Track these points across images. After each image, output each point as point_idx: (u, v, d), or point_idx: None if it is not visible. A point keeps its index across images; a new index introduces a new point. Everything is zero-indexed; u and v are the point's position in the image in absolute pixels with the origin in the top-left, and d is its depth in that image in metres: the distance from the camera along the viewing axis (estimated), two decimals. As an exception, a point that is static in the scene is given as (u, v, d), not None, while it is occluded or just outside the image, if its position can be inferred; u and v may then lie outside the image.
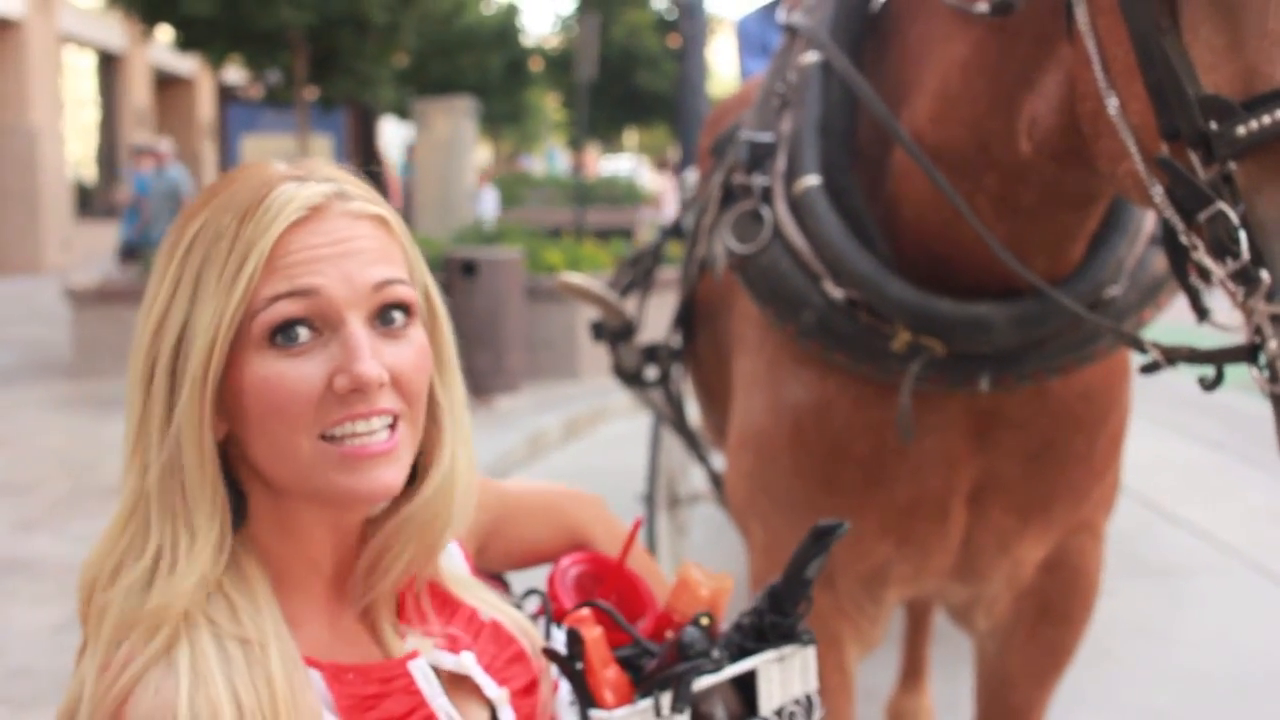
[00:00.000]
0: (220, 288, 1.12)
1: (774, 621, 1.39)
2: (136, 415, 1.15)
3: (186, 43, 15.42)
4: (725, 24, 24.70)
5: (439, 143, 17.88)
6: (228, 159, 20.13)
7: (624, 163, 38.50)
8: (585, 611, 1.37)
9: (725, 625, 1.42)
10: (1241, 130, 1.46)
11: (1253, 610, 5.61)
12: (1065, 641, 2.68)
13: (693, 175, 4.60)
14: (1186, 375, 1.68)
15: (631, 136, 37.19)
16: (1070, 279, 2.24)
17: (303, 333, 1.14)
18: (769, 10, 5.24)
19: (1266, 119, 1.43)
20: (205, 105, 27.99)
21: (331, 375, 1.14)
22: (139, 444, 1.15)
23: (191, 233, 1.16)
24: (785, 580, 1.39)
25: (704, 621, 1.37)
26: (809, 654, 1.42)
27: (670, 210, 19.72)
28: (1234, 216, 1.48)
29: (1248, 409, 8.23)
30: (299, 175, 1.19)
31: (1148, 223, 2.31)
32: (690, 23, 13.09)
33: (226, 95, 25.05)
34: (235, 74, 20.49)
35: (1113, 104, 1.69)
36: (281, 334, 1.13)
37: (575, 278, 3.31)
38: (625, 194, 23.41)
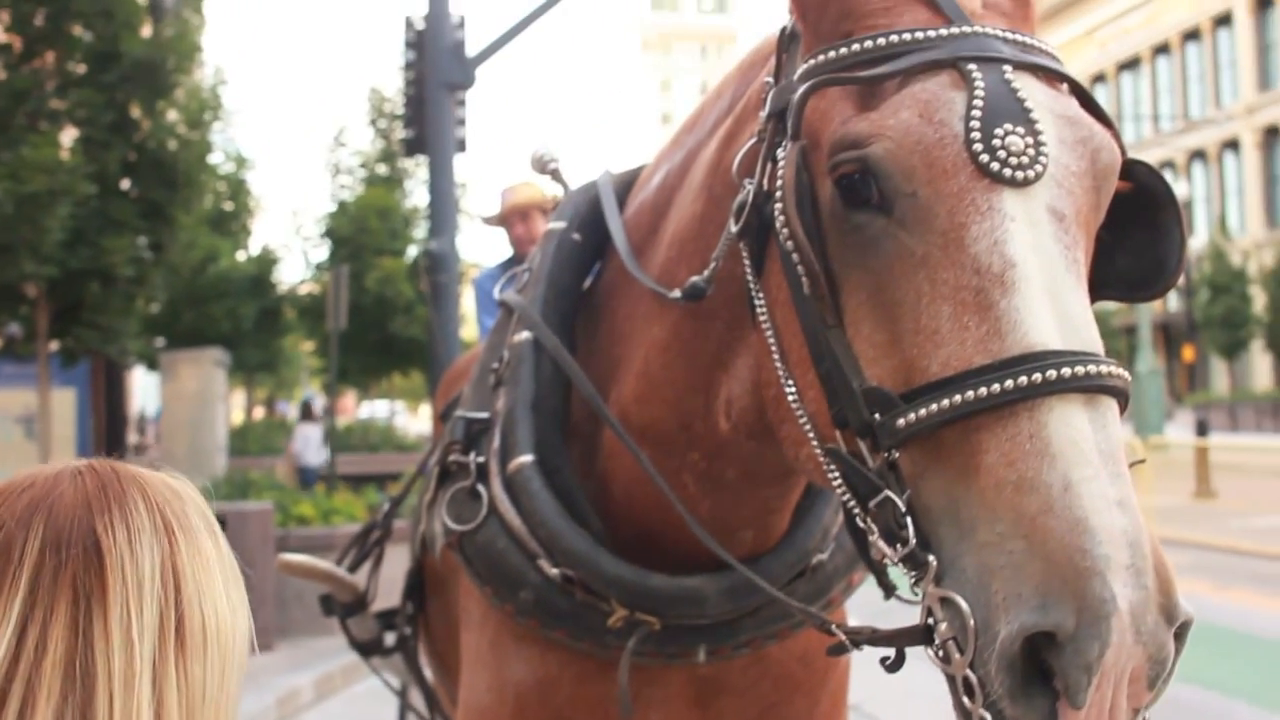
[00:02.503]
0: None
1: None
2: None
3: (-82, 294, 14.82)
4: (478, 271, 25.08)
5: (187, 394, 17.53)
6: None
7: (381, 407, 38.35)
8: None
9: None
10: (901, 422, 1.54)
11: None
12: None
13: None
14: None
15: (392, 380, 37.06)
16: (778, 548, 2.31)
17: None
18: (506, 267, 5.37)
19: (923, 411, 1.52)
20: (-58, 357, 26.77)
21: None
22: None
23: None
24: None
25: None
26: None
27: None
28: (900, 504, 1.56)
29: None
30: None
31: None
32: (441, 273, 13.29)
33: (-36, 346, 24.09)
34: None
35: (791, 391, 1.78)
36: None
37: (296, 558, 3.20)
38: (382, 439, 23.23)
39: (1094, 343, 1.54)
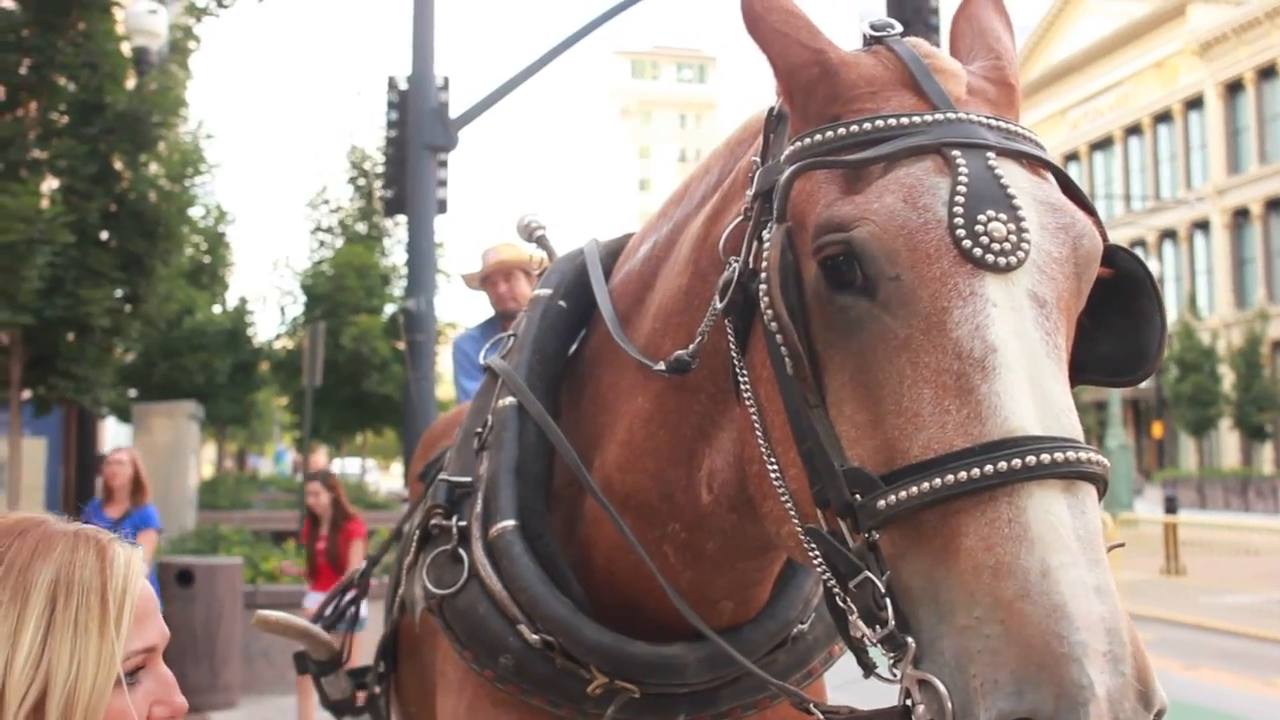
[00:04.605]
0: (105, 635, 1.42)
1: None
2: None
3: (-114, 341, 14.70)
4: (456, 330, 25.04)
5: (159, 446, 17.44)
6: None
7: (353, 464, 38.15)
8: None
9: None
10: (882, 503, 1.57)
11: None
12: None
13: None
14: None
15: (364, 438, 36.93)
16: (759, 618, 2.32)
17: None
18: (485, 329, 5.38)
19: (903, 493, 1.54)
20: (-89, 405, 26.53)
21: (151, 705, 1.51)
22: None
23: (42, 582, 1.43)
24: None
25: None
26: None
27: None
28: (880, 584, 1.57)
29: None
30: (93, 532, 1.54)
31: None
32: (418, 332, 13.28)
33: (-67, 395, 23.90)
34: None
35: (773, 469, 1.80)
36: (129, 675, 1.46)
37: (273, 615, 3.20)
38: (352, 496, 23.08)
39: (1074, 429, 1.57)
